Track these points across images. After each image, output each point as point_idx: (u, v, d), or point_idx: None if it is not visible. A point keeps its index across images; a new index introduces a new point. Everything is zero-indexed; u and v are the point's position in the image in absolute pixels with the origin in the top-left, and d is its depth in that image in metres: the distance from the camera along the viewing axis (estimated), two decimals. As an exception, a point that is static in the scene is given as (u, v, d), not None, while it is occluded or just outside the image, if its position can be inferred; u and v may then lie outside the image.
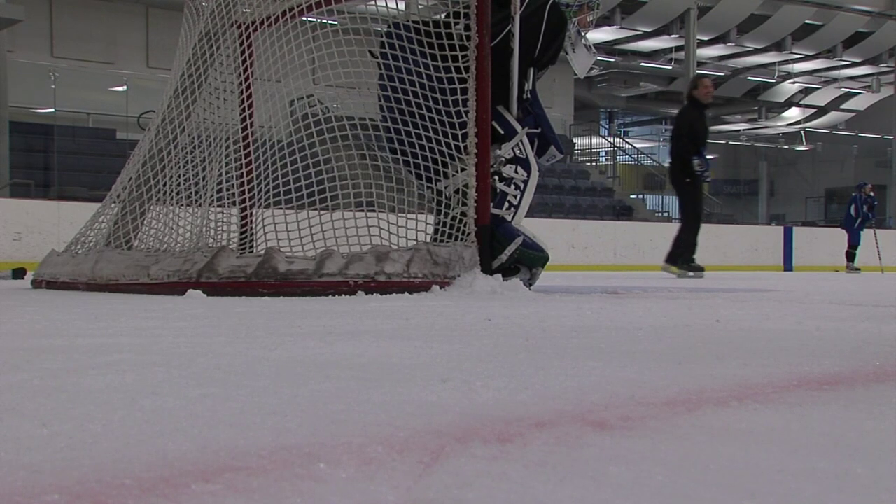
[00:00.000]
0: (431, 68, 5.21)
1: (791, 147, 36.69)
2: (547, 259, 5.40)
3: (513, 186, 5.38)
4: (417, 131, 5.18)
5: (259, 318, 3.03)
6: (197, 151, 5.47)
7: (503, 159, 5.38)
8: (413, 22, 5.39)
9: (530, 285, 5.22)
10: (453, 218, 5.13)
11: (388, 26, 5.43)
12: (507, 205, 5.36)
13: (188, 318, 3.01)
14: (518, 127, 5.44)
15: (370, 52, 5.47)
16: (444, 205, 5.22)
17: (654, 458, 0.98)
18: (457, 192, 5.19)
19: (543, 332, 2.56)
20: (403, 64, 5.23)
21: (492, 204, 5.29)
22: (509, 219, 5.35)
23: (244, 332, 2.49)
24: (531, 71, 5.55)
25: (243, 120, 5.57)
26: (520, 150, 5.43)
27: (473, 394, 1.39)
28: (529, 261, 5.29)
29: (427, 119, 5.17)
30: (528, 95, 5.56)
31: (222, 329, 2.60)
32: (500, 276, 5.07)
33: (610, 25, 24.25)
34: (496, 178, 5.36)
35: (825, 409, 1.32)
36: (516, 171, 5.41)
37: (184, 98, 5.67)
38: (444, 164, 5.19)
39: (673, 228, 10.48)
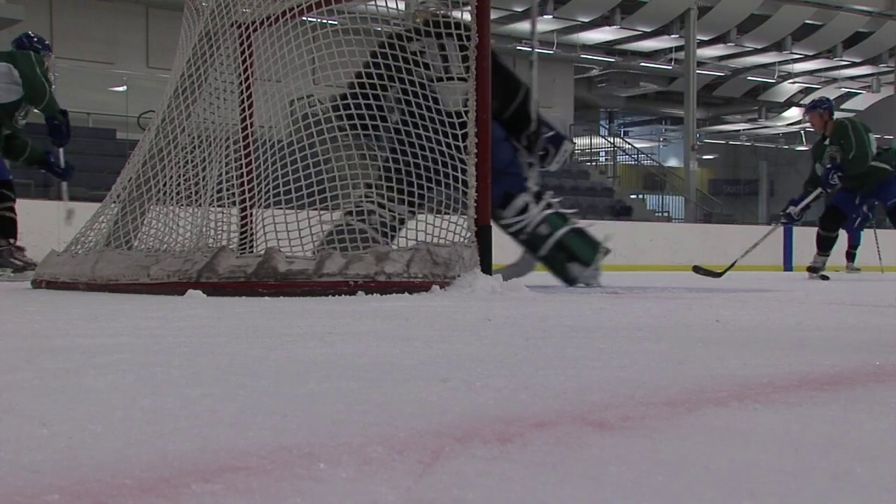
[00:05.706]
0: None
1: (791, 147, 36.68)
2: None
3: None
4: None
5: (259, 318, 3.03)
6: (197, 151, 5.46)
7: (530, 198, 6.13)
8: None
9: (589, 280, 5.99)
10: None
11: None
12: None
13: (188, 318, 3.01)
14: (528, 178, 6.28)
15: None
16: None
17: (654, 458, 0.98)
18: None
19: (543, 332, 2.56)
20: None
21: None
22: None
23: (244, 332, 2.49)
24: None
25: (243, 120, 5.56)
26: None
27: (473, 394, 1.39)
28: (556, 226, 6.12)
29: None
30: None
31: (222, 329, 2.60)
32: (499, 275, 5.08)
33: (610, 25, 24.25)
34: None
35: (825, 409, 1.32)
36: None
37: (184, 98, 5.67)
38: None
39: (672, 228, 10.47)
